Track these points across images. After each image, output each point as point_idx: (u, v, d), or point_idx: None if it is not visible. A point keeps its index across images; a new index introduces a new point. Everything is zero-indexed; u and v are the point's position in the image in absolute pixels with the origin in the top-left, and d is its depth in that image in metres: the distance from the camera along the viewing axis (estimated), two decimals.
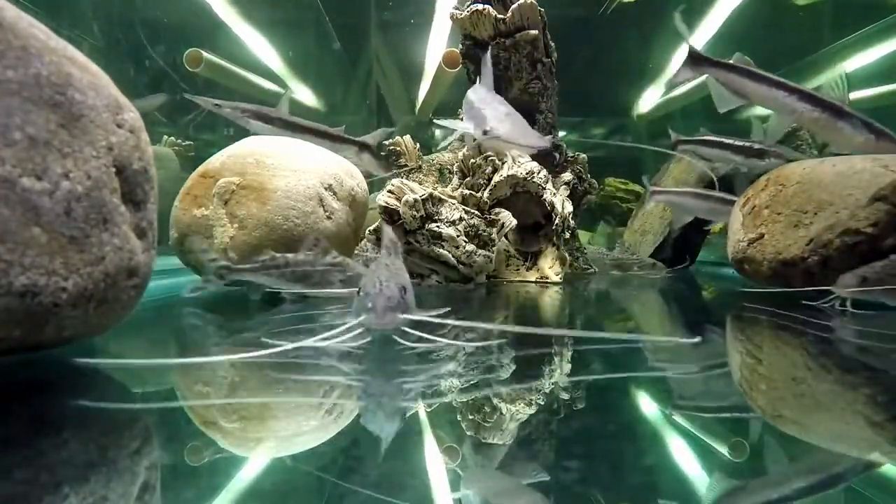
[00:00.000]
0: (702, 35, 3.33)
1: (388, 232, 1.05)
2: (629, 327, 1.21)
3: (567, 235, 1.75)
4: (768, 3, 3.23)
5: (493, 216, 1.56)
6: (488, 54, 1.54)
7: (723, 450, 0.53)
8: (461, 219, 1.47)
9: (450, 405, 0.60)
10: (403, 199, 1.39)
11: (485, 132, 1.27)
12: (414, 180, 2.01)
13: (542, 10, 1.91)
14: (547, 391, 0.66)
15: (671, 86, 1.97)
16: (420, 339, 0.73)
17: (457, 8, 2.01)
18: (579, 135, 3.81)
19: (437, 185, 2.00)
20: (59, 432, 0.51)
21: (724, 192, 1.93)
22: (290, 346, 0.68)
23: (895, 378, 0.74)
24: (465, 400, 0.62)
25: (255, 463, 0.48)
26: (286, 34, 3.48)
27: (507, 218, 1.57)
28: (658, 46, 3.60)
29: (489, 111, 1.29)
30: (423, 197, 1.42)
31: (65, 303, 0.60)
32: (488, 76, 1.47)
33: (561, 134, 2.40)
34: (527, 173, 1.71)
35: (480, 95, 1.39)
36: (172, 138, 2.90)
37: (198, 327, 1.12)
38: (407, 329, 0.72)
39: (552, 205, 1.72)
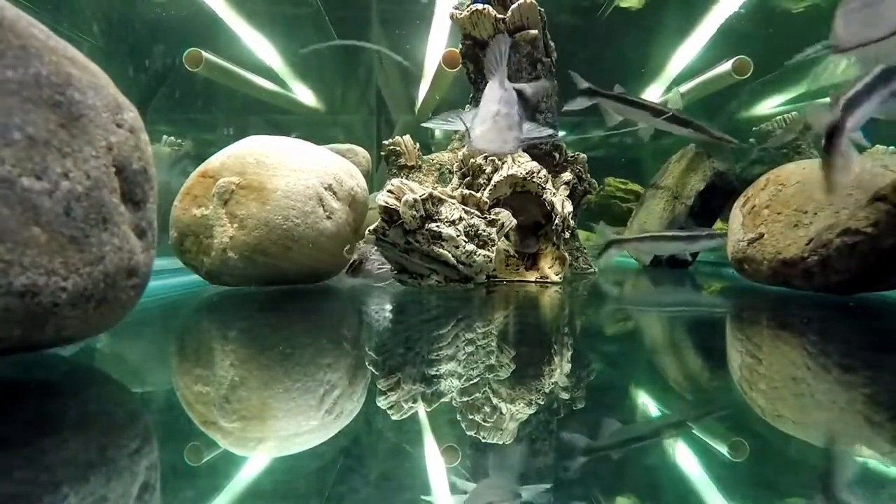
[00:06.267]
0: (700, 36, 3.34)
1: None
2: (629, 327, 1.22)
3: (567, 235, 1.75)
4: (766, 8, 3.24)
5: (492, 216, 1.56)
6: (496, 42, 1.45)
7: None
8: (461, 218, 1.47)
9: None
10: (403, 198, 1.39)
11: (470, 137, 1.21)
12: (414, 180, 2.01)
13: (542, 9, 1.91)
14: None
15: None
16: None
17: (456, 8, 2.01)
18: (580, 134, 3.81)
19: (436, 185, 2.00)
20: (58, 432, 0.51)
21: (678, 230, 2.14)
22: None
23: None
24: None
25: None
26: (285, 33, 3.47)
27: (507, 218, 1.57)
28: (657, 46, 3.60)
29: (482, 109, 1.22)
30: (423, 197, 1.41)
31: (64, 302, 0.60)
32: (502, 69, 1.40)
33: (561, 133, 2.40)
34: (526, 173, 1.71)
35: (489, 91, 1.28)
36: (172, 138, 2.90)
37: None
38: None
39: (552, 205, 1.72)
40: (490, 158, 1.74)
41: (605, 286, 1.85)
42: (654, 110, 2.26)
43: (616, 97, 2.24)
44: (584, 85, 2.20)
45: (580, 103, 2.19)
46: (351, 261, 1.74)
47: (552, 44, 2.02)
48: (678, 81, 3.54)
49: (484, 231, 1.51)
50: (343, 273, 1.73)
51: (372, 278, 1.74)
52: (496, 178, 1.70)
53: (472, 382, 0.67)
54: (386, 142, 2.26)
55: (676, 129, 2.27)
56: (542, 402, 0.61)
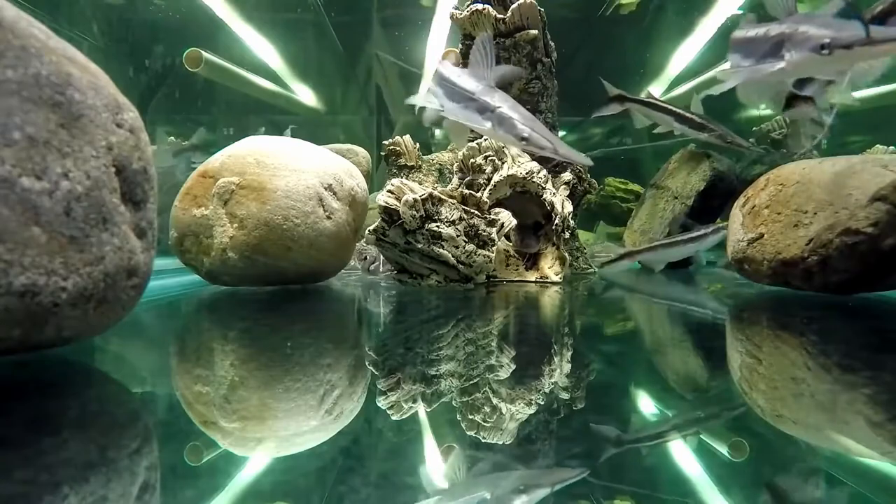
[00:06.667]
0: (702, 35, 3.34)
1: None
2: (630, 327, 1.22)
3: (567, 235, 1.75)
4: (766, 8, 3.25)
5: (492, 216, 1.56)
6: (481, 39, 1.21)
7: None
8: (461, 218, 1.47)
9: None
10: (403, 199, 1.39)
11: (523, 139, 1.07)
12: (414, 180, 2.01)
13: (542, 10, 1.92)
14: None
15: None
16: None
17: (456, 8, 2.02)
18: (579, 135, 3.81)
19: (436, 185, 2.00)
20: (58, 432, 0.51)
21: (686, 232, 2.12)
22: None
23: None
24: None
25: None
26: (285, 34, 3.48)
27: (507, 218, 1.57)
28: (657, 46, 3.60)
29: (508, 110, 1.09)
30: (423, 197, 1.42)
31: (64, 302, 0.60)
32: (482, 62, 1.18)
33: (561, 134, 2.41)
34: (526, 173, 1.71)
35: (478, 81, 1.15)
36: (173, 138, 2.90)
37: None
38: None
39: (552, 204, 1.72)
40: (490, 158, 1.74)
41: (606, 287, 1.85)
42: (680, 115, 2.33)
43: (645, 102, 2.35)
44: (615, 92, 2.33)
45: (612, 109, 2.34)
46: (366, 258, 1.80)
47: (552, 44, 2.02)
48: (678, 82, 3.54)
49: (484, 231, 1.51)
50: (354, 267, 1.88)
51: (379, 275, 1.78)
52: (496, 178, 1.70)
53: (471, 382, 0.67)
54: (386, 142, 2.26)
55: (693, 132, 2.32)
56: (542, 402, 0.61)
